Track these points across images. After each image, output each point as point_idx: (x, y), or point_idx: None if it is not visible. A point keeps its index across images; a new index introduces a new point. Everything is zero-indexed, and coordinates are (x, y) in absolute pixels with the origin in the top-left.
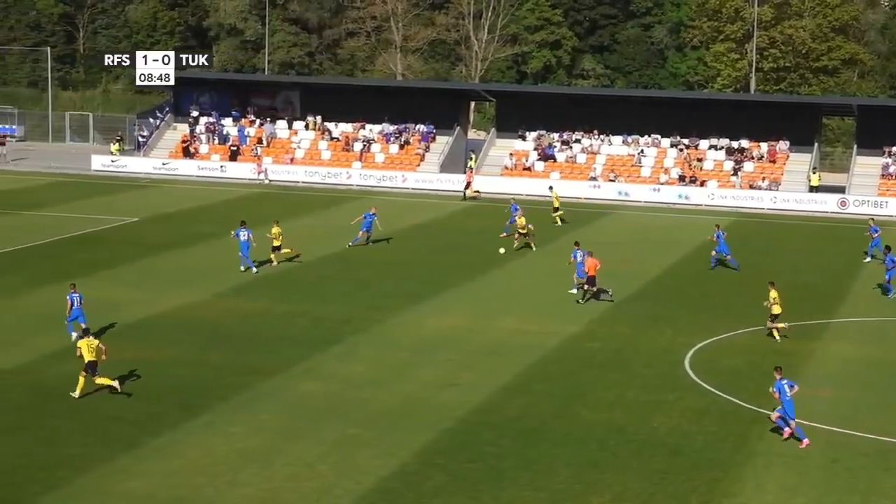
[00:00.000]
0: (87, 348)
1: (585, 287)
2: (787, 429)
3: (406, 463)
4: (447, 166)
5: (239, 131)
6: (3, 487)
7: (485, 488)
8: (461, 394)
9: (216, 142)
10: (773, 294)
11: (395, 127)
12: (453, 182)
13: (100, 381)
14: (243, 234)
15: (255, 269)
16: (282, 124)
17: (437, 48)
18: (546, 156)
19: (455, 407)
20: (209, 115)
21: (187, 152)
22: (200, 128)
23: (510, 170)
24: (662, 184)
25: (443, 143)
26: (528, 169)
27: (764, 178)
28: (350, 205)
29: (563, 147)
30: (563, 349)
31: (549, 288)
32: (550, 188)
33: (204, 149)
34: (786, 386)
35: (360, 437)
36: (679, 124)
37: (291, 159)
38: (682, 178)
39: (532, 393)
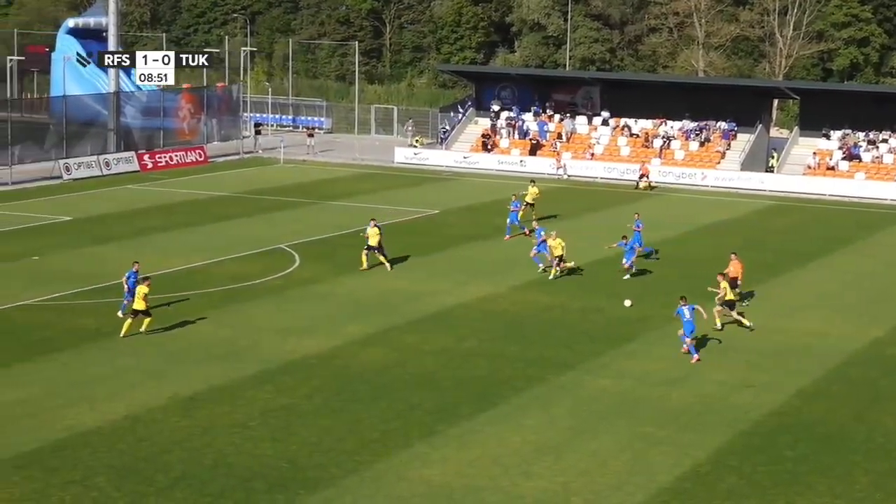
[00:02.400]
0: (140, 296)
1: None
2: (684, 346)
3: (699, 463)
4: (748, 164)
5: (539, 126)
6: (309, 468)
7: (779, 492)
8: (757, 395)
9: (516, 136)
10: (724, 284)
11: (696, 124)
12: (754, 181)
13: (146, 325)
14: None
15: None
16: (581, 120)
17: (741, 45)
18: (851, 156)
19: (750, 408)
20: (510, 109)
21: (486, 146)
22: (501, 122)
23: (813, 169)
24: None
25: (744, 140)
26: (832, 169)
27: None
28: (646, 202)
29: (870, 147)
30: (865, 353)
31: (852, 290)
32: (532, 182)
33: (504, 143)
34: (686, 310)
35: (654, 435)
36: None
37: (591, 155)
38: None
39: (831, 397)
